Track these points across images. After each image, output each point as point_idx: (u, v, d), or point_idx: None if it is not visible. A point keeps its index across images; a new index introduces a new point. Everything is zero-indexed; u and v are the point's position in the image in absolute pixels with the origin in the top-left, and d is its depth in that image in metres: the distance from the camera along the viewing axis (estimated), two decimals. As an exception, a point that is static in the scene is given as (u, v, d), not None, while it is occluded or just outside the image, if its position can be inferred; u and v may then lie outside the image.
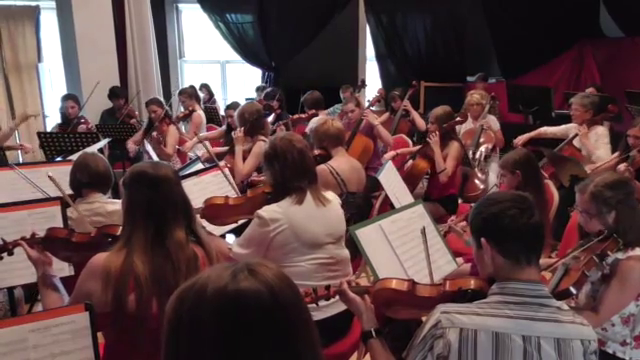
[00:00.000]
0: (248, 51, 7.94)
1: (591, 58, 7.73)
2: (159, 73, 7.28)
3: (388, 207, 3.41)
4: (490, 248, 1.54)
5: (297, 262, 2.36)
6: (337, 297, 1.78)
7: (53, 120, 6.69)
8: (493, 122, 5.29)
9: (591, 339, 1.50)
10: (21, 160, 6.68)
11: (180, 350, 0.97)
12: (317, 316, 2.18)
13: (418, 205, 2.60)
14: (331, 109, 6.15)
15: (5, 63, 6.73)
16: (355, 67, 8.49)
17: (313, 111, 5.49)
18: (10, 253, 2.09)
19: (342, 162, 3.46)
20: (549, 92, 6.26)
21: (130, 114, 6.00)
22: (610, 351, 2.20)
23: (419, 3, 8.18)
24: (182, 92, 6.22)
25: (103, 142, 4.70)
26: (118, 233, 1.99)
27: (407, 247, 2.33)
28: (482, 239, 1.56)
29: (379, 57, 8.46)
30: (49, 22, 7.08)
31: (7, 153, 5.32)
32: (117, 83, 6.60)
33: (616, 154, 4.21)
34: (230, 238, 3.09)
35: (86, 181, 2.75)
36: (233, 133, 4.06)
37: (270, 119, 5.51)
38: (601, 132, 4.50)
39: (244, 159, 3.86)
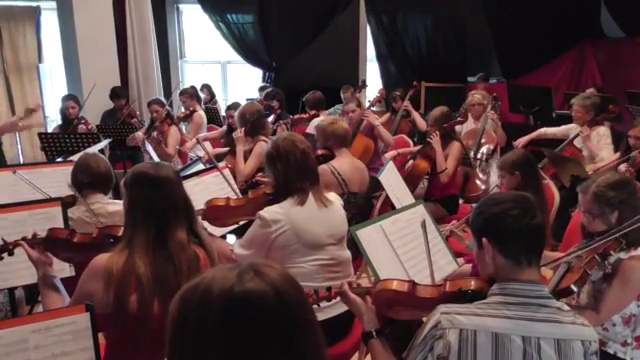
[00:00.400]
0: (249, 51, 7.94)
1: (592, 58, 7.73)
2: (160, 73, 7.28)
3: (389, 207, 3.41)
4: (491, 248, 1.54)
5: (298, 263, 2.36)
6: (338, 298, 1.78)
7: (54, 121, 6.69)
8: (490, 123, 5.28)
9: (592, 340, 1.50)
10: (22, 160, 6.71)
11: (185, 350, 0.97)
12: (318, 317, 2.15)
13: (419, 205, 2.59)
14: (332, 109, 6.15)
15: (6, 64, 6.73)
16: (356, 67, 8.49)
17: (314, 111, 5.50)
18: (10, 253, 2.09)
19: (344, 162, 3.47)
20: (550, 92, 6.25)
21: (131, 114, 6.00)
22: (611, 351, 2.20)
23: (420, 3, 8.17)
24: (183, 92, 6.22)
25: (104, 142, 4.70)
26: (119, 234, 2.00)
27: (408, 247, 2.33)
28: (483, 239, 1.56)
29: (380, 57, 8.46)
30: (50, 23, 7.08)
31: (8, 148, 5.28)
32: (118, 83, 6.60)
33: (617, 154, 4.21)
34: (231, 239, 3.09)
35: (87, 181, 2.75)
36: (234, 133, 4.06)
37: (270, 119, 5.51)
38: (603, 132, 4.50)
39: (245, 159, 3.86)
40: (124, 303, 1.73)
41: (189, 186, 2.63)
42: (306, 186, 2.42)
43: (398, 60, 8.40)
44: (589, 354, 1.49)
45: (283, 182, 2.44)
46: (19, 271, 2.34)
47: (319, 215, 2.41)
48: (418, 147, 4.52)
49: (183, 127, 5.77)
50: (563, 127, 4.83)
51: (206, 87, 7.46)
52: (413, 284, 1.71)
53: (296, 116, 5.58)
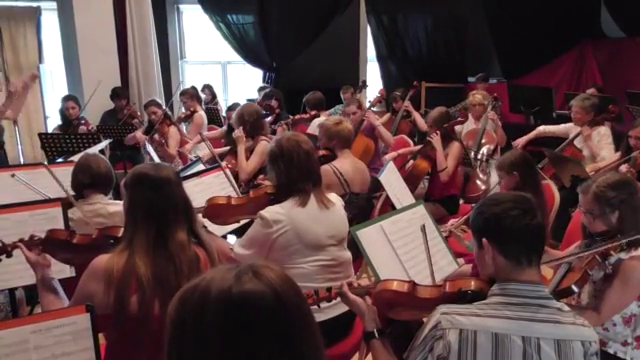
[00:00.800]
0: (249, 52, 7.94)
1: (592, 58, 7.73)
2: (160, 74, 7.28)
3: (389, 208, 3.41)
4: (491, 248, 1.54)
5: (299, 264, 2.35)
6: (339, 299, 1.78)
7: (54, 121, 6.69)
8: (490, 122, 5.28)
9: (592, 340, 1.50)
10: (22, 161, 6.71)
11: (184, 351, 0.97)
12: (319, 318, 2.16)
13: (419, 206, 2.59)
14: (332, 110, 6.16)
15: (6, 64, 6.73)
16: (356, 68, 8.49)
17: (315, 112, 5.50)
18: (9, 255, 2.08)
19: (346, 163, 3.46)
20: (550, 92, 6.26)
21: (132, 114, 6.00)
22: (611, 351, 2.20)
23: (420, 4, 8.17)
24: (184, 93, 6.22)
25: (104, 143, 4.70)
26: (119, 235, 2.00)
27: (408, 248, 2.33)
28: (483, 239, 1.56)
29: (380, 58, 8.46)
30: (50, 23, 7.08)
31: (9, 148, 5.27)
32: (118, 84, 6.60)
33: (617, 154, 4.21)
34: (231, 239, 3.09)
35: (88, 182, 2.76)
36: (233, 133, 4.06)
37: (270, 119, 5.51)
38: (603, 132, 4.49)
39: (246, 159, 3.87)
40: (125, 304, 1.73)
41: (190, 186, 2.64)
42: (308, 187, 2.41)
43: (398, 60, 8.41)
44: (589, 355, 1.49)
45: (285, 182, 2.43)
46: (19, 272, 2.33)
47: (320, 216, 2.40)
48: (418, 147, 4.52)
49: (184, 127, 5.78)
50: (563, 125, 4.83)
51: (208, 87, 7.45)
52: (413, 284, 1.71)
53: (297, 116, 5.58)
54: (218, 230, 2.76)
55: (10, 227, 2.42)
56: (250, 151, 3.93)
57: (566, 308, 1.53)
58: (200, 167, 3.36)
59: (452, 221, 3.34)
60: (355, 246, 2.26)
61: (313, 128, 4.88)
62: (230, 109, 5.64)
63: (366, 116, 4.65)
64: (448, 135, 4.14)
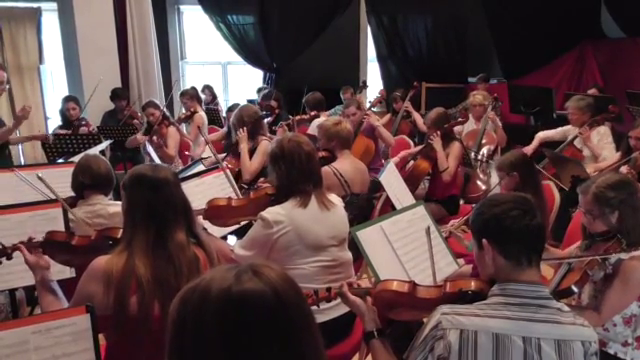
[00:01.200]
0: (249, 52, 7.94)
1: (592, 59, 7.73)
2: (160, 74, 7.29)
3: (389, 208, 3.41)
4: (491, 249, 1.54)
5: (300, 264, 2.35)
6: (339, 300, 1.78)
7: (55, 122, 6.70)
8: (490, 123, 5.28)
9: (592, 340, 1.50)
10: (23, 161, 6.71)
11: (185, 351, 0.97)
12: (319, 318, 2.16)
13: (419, 206, 2.59)
14: (332, 110, 6.16)
15: (7, 65, 6.73)
16: (356, 68, 8.49)
17: (315, 112, 5.50)
18: (9, 258, 2.08)
19: (346, 163, 3.46)
20: (550, 93, 6.25)
21: (133, 115, 6.01)
22: (611, 352, 2.20)
23: (420, 4, 8.17)
24: (184, 93, 6.21)
25: (105, 144, 4.70)
26: (118, 236, 2.00)
27: (408, 248, 2.33)
28: (483, 240, 1.56)
29: (380, 58, 8.45)
30: (51, 24, 7.09)
31: (12, 150, 5.28)
32: (118, 85, 6.61)
33: (618, 154, 4.20)
34: (232, 240, 3.09)
35: (88, 183, 2.76)
36: (236, 134, 4.05)
37: (270, 120, 5.51)
38: (603, 131, 4.48)
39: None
40: (124, 305, 1.73)
41: (190, 187, 2.64)
42: (309, 188, 2.41)
43: (399, 60, 8.40)
44: (589, 355, 1.49)
45: (286, 183, 2.42)
46: (20, 272, 2.33)
47: (321, 217, 2.40)
48: (419, 147, 4.53)
49: (184, 127, 5.77)
50: (560, 129, 4.82)
51: (208, 88, 7.46)
52: (413, 285, 1.71)
53: (297, 117, 5.58)
54: (218, 231, 2.76)
55: (10, 228, 2.43)
56: (251, 151, 3.93)
57: (566, 308, 1.53)
58: (200, 167, 3.36)
59: (452, 221, 3.34)
60: (355, 247, 2.26)
61: (312, 129, 4.88)
62: (230, 110, 5.64)
63: (366, 116, 4.65)
64: (448, 135, 4.14)
